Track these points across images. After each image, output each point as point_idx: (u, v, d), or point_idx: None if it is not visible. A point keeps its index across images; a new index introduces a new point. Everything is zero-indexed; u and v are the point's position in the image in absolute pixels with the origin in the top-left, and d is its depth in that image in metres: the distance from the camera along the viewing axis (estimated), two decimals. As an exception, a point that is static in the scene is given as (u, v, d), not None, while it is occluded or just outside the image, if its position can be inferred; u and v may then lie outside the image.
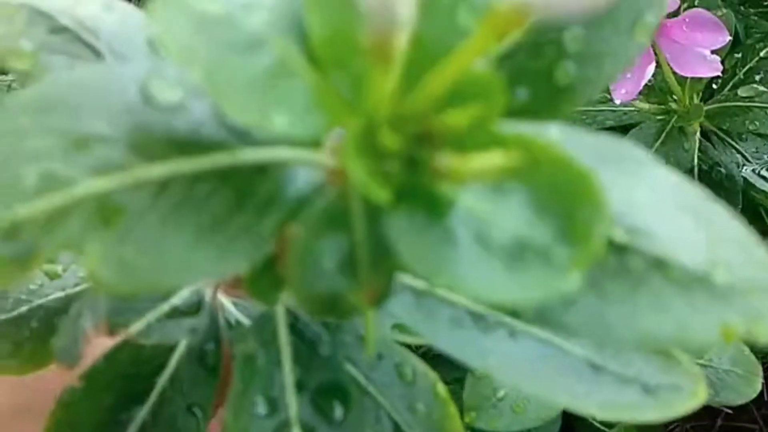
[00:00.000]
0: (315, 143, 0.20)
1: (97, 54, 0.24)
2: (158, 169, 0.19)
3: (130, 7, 0.25)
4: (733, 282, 0.19)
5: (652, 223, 0.20)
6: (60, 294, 0.31)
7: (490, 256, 0.18)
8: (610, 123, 0.63)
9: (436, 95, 0.19)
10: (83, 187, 0.18)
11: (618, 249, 0.19)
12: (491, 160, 0.18)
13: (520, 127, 0.21)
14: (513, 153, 0.18)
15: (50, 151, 0.18)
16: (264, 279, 0.22)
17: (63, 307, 0.31)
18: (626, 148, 0.20)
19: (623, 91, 0.59)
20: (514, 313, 0.19)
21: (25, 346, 0.30)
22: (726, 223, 0.20)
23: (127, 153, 0.19)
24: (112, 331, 0.27)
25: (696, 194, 0.20)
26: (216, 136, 0.19)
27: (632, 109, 0.63)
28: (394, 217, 0.19)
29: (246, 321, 0.31)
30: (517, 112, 0.22)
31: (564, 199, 0.19)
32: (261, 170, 0.19)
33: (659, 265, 0.19)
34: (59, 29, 0.24)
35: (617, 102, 0.60)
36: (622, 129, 0.63)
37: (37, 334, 0.30)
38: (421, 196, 0.19)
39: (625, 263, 0.19)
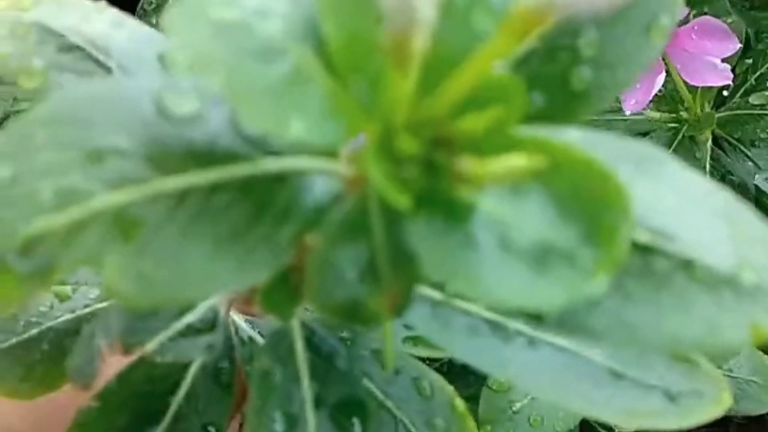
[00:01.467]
0: (332, 151, 0.20)
1: (107, 71, 0.24)
2: (175, 181, 0.18)
3: (140, 24, 0.25)
4: (761, 282, 0.19)
5: (677, 223, 0.19)
6: (70, 316, 0.31)
7: (512, 260, 0.18)
8: (621, 132, 0.63)
9: (455, 99, 0.18)
10: (100, 201, 0.18)
11: (642, 250, 0.19)
12: (512, 162, 0.18)
13: (539, 130, 0.20)
14: (533, 156, 0.18)
15: (66, 165, 0.18)
16: (279, 293, 0.22)
17: (74, 328, 0.30)
18: (647, 148, 0.20)
19: (633, 101, 0.59)
20: (534, 320, 0.19)
21: (37, 369, 0.30)
22: (751, 223, 0.20)
23: (144, 166, 0.18)
24: (126, 351, 0.27)
25: (720, 194, 0.20)
26: (232, 146, 0.19)
27: (643, 117, 0.62)
28: (414, 222, 0.18)
29: (259, 338, 0.31)
30: (533, 118, 0.22)
31: (587, 201, 0.18)
32: (278, 180, 0.19)
33: (685, 265, 0.19)
34: (69, 47, 0.24)
35: (628, 112, 0.60)
36: (634, 138, 0.63)
37: (49, 357, 0.30)
38: (441, 201, 0.19)
39: (650, 264, 0.19)
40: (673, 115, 0.61)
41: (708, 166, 0.62)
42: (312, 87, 0.18)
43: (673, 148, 0.61)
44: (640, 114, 0.62)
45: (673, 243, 0.19)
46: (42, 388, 0.30)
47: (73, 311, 0.31)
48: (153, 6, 0.56)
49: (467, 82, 0.18)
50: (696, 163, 0.61)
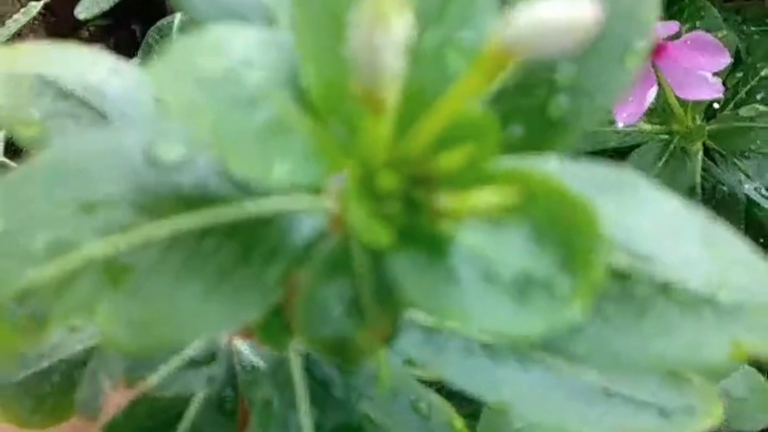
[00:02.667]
0: (316, 190, 0.20)
1: (103, 117, 0.25)
2: (165, 227, 0.19)
3: (135, 70, 0.26)
4: (740, 301, 0.20)
5: (655, 247, 0.20)
6: (80, 347, 0.31)
7: (494, 291, 0.18)
8: (612, 144, 0.64)
9: (431, 137, 0.19)
10: (91, 250, 0.18)
11: (621, 275, 0.20)
12: (487, 197, 0.18)
13: (517, 161, 0.21)
14: (509, 189, 0.19)
15: (57, 217, 0.19)
16: (274, 325, 0.23)
17: (82, 360, 0.31)
18: (626, 174, 0.21)
19: (626, 113, 0.60)
20: (524, 345, 0.19)
21: (48, 401, 0.31)
22: (729, 243, 0.20)
23: (134, 213, 0.19)
24: (129, 385, 0.28)
25: (698, 216, 0.20)
26: (220, 190, 0.20)
27: (635, 130, 0.63)
28: (396, 258, 0.19)
29: (262, 364, 0.31)
30: (512, 148, 0.23)
31: (563, 230, 0.19)
32: (265, 221, 0.20)
33: (664, 288, 0.19)
34: (66, 95, 0.25)
35: (620, 125, 0.60)
36: (625, 150, 0.63)
37: (59, 389, 0.31)
38: (422, 236, 0.19)
39: (630, 289, 0.20)
40: (665, 127, 0.62)
41: (699, 176, 0.62)
42: (293, 131, 0.19)
43: (664, 159, 0.62)
44: (633, 126, 0.63)
45: (652, 266, 0.20)
46: (52, 419, 0.30)
47: (81, 342, 0.31)
48: (157, 42, 0.57)
49: (442, 121, 0.19)
50: (687, 173, 0.61)
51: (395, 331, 0.20)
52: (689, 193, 0.62)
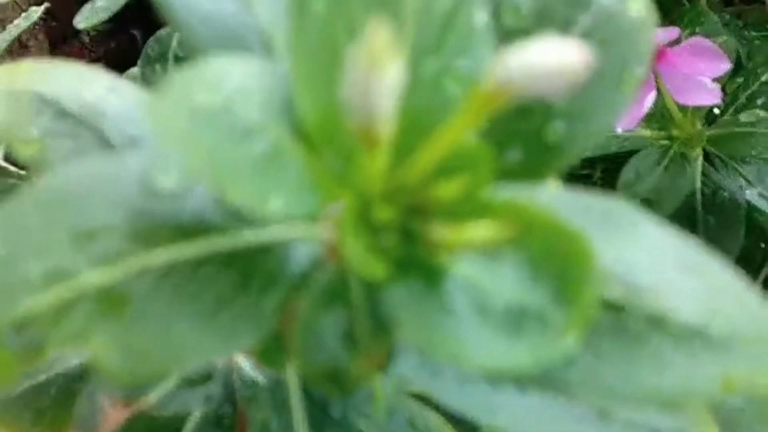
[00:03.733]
0: (313, 218, 0.20)
1: (102, 137, 0.25)
2: (161, 256, 0.19)
3: (134, 88, 0.26)
4: (731, 333, 0.20)
5: (648, 280, 0.20)
6: (77, 361, 0.31)
7: (488, 324, 0.19)
8: (612, 150, 0.63)
9: (427, 168, 0.19)
10: (87, 279, 0.19)
11: (614, 308, 0.20)
12: (482, 231, 0.18)
13: (512, 190, 0.21)
14: (503, 222, 0.19)
15: (55, 246, 0.19)
16: (272, 348, 0.23)
17: (80, 373, 0.31)
18: (619, 205, 0.21)
19: (624, 119, 0.60)
20: (513, 378, 0.19)
21: (47, 414, 0.31)
22: (720, 274, 0.20)
23: (130, 242, 0.19)
24: (126, 403, 0.28)
25: (691, 248, 0.20)
26: (216, 219, 0.20)
27: (634, 135, 0.63)
28: (391, 289, 0.19)
29: (261, 379, 0.31)
30: (509, 172, 0.23)
31: (557, 263, 0.19)
32: (262, 250, 0.20)
33: (656, 321, 0.20)
34: (65, 114, 0.25)
35: (619, 130, 0.60)
36: (625, 155, 0.63)
37: (57, 402, 0.31)
38: (418, 267, 0.19)
39: (622, 321, 0.20)
40: (665, 132, 0.62)
41: (699, 182, 0.62)
42: (289, 162, 0.19)
43: (664, 164, 0.61)
44: (632, 131, 0.63)
45: (645, 299, 0.20)
46: (51, 432, 0.30)
47: (80, 357, 0.31)
48: (156, 53, 0.56)
49: (438, 153, 0.19)
50: (687, 179, 0.61)
51: (388, 361, 0.20)
52: (689, 198, 0.62)
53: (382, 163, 0.19)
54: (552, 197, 0.21)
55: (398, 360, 0.22)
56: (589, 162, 0.67)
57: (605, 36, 0.23)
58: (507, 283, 0.19)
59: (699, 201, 0.62)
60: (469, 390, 0.25)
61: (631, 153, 0.63)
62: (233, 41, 0.22)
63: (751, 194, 0.61)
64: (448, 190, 0.19)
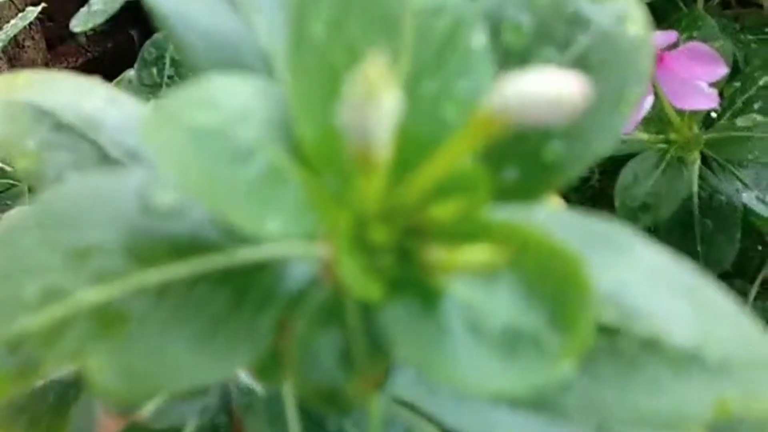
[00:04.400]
0: (310, 237, 0.20)
1: (100, 149, 0.25)
2: (157, 275, 0.19)
3: (133, 100, 0.26)
4: (726, 357, 0.20)
5: (643, 303, 0.20)
6: (74, 369, 0.31)
7: (483, 346, 0.19)
8: (609, 153, 0.63)
9: (424, 190, 0.19)
10: (83, 298, 0.19)
11: (609, 331, 0.20)
12: (478, 253, 0.18)
13: (509, 210, 0.21)
14: (500, 244, 0.19)
15: (50, 264, 0.19)
16: (268, 363, 0.23)
17: (76, 381, 0.31)
18: (614, 228, 0.21)
19: (622, 123, 0.60)
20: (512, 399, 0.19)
21: (43, 421, 0.31)
22: (714, 298, 0.20)
23: (126, 260, 0.19)
24: (122, 414, 0.28)
25: (685, 271, 0.20)
26: (213, 237, 0.20)
27: (632, 138, 0.63)
28: (387, 310, 0.19)
29: (259, 388, 0.31)
30: (506, 191, 0.23)
31: (553, 286, 0.19)
32: (258, 268, 0.20)
33: (651, 345, 0.20)
34: (62, 126, 0.25)
35: (616, 134, 0.60)
36: (623, 159, 0.63)
37: (54, 409, 0.31)
38: (414, 288, 0.19)
39: (617, 345, 0.20)
40: (662, 136, 0.62)
41: (696, 186, 0.62)
42: (286, 183, 0.19)
43: (662, 168, 0.62)
44: (630, 135, 0.63)
45: (640, 323, 0.20)
46: (47, 440, 0.30)
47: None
48: (153, 56, 0.56)
49: (435, 175, 0.19)
50: (684, 182, 0.61)
51: (385, 381, 0.20)
52: (686, 202, 0.62)
53: (379, 185, 0.19)
54: (549, 218, 0.21)
55: (395, 376, 0.22)
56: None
57: (604, 56, 0.23)
58: (503, 305, 0.19)
59: (696, 204, 0.62)
60: (465, 407, 0.25)
61: (628, 156, 0.63)
62: (232, 59, 0.22)
63: (748, 198, 0.61)
64: (445, 211, 0.19)
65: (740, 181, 0.62)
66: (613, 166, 0.63)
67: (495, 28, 0.23)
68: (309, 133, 0.19)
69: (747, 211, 0.62)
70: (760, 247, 0.66)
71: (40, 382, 0.31)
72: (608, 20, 0.23)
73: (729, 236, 0.62)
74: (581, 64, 0.23)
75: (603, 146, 0.23)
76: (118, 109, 0.25)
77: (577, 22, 0.23)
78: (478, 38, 0.20)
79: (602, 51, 0.23)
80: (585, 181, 0.69)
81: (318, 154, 0.19)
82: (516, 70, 0.23)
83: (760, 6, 0.73)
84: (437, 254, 0.19)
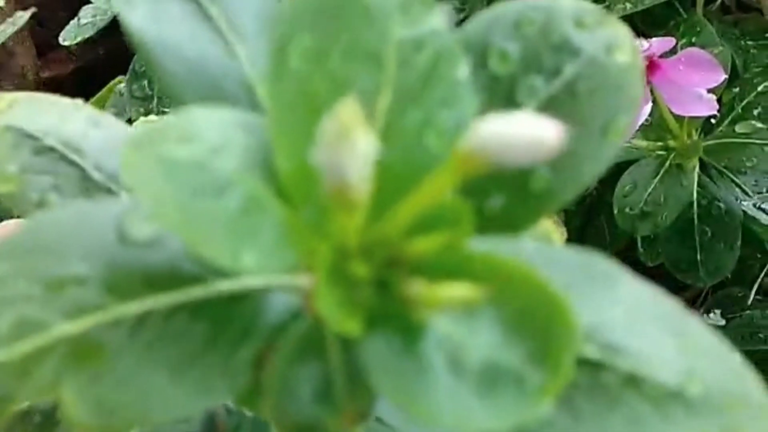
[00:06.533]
0: (290, 270, 0.20)
1: (83, 172, 0.24)
2: (133, 307, 0.19)
3: (116, 122, 0.25)
4: (708, 394, 0.19)
5: (626, 338, 0.20)
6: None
7: (463, 382, 0.18)
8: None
9: (405, 223, 0.19)
10: (57, 330, 0.18)
11: (592, 367, 0.20)
12: (459, 290, 0.18)
13: (494, 243, 0.21)
14: (482, 278, 0.18)
15: (25, 296, 0.18)
16: (251, 394, 0.22)
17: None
18: (599, 262, 0.20)
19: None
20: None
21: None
22: (699, 334, 0.20)
23: (102, 292, 0.19)
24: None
25: (670, 306, 0.20)
26: (190, 269, 0.20)
27: (630, 146, 0.63)
28: (367, 344, 0.19)
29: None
30: (492, 221, 0.23)
31: (536, 322, 0.19)
32: (236, 300, 0.20)
33: (633, 381, 0.19)
34: (44, 149, 0.24)
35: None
36: (621, 166, 0.63)
37: (40, 428, 0.31)
38: (394, 322, 0.19)
39: (600, 381, 0.19)
40: (661, 143, 0.62)
41: (695, 193, 0.62)
42: (264, 216, 0.19)
43: (660, 175, 0.61)
44: (628, 142, 0.62)
45: (623, 359, 0.20)
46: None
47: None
48: (144, 68, 0.56)
49: (417, 207, 0.19)
50: (683, 190, 0.61)
51: (367, 416, 0.20)
52: (686, 209, 0.62)
53: (359, 219, 0.18)
54: (534, 250, 0.20)
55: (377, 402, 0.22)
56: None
57: (592, 84, 0.22)
58: (485, 340, 0.19)
59: (695, 212, 0.62)
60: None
61: (627, 164, 0.62)
62: (214, 87, 0.21)
63: (747, 205, 0.61)
64: (427, 245, 0.19)
65: (740, 188, 0.61)
66: (611, 173, 0.62)
67: (481, 55, 0.22)
68: (288, 166, 0.19)
69: (746, 218, 0.61)
70: (759, 255, 0.65)
71: (26, 403, 0.31)
72: (596, 49, 0.22)
73: (729, 244, 0.61)
74: (569, 92, 0.22)
75: (591, 175, 0.23)
76: (100, 131, 0.25)
77: (565, 50, 0.22)
78: (462, 69, 0.20)
79: (591, 79, 0.22)
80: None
81: (297, 187, 0.19)
82: (503, 98, 0.23)
83: (761, 11, 0.72)
84: (418, 289, 0.19)
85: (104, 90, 0.60)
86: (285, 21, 0.18)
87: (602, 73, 0.22)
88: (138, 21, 0.21)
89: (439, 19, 0.19)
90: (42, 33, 0.70)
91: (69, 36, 0.57)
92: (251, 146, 0.19)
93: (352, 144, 0.15)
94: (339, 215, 0.18)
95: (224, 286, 0.20)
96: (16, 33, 0.57)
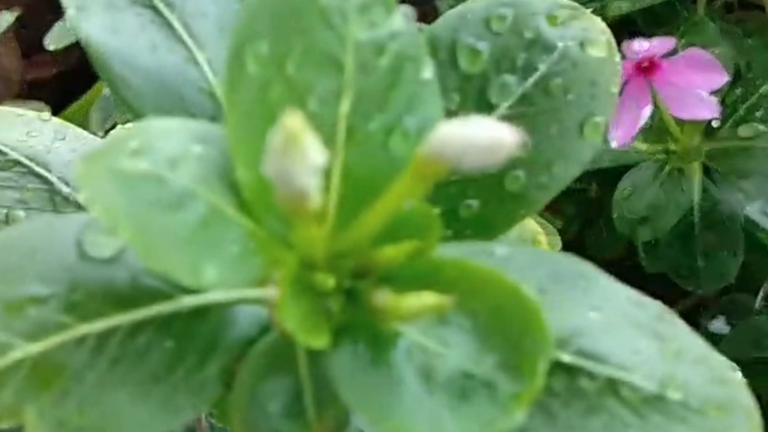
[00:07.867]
0: (255, 283, 0.20)
1: (50, 185, 0.24)
2: (96, 325, 0.19)
3: (83, 134, 0.25)
4: (688, 399, 0.19)
5: (604, 342, 0.19)
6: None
7: (435, 394, 0.18)
8: (606, 164, 0.62)
9: (372, 232, 0.18)
10: (18, 352, 0.18)
11: (569, 373, 0.19)
12: (428, 299, 0.18)
13: (466, 248, 0.20)
14: (452, 287, 0.18)
15: (-16, 318, 0.18)
16: (222, 408, 0.22)
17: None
18: (577, 265, 0.20)
19: (619, 133, 0.58)
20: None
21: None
22: (681, 337, 0.19)
23: (63, 312, 0.18)
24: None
25: (652, 310, 0.20)
26: (153, 284, 0.19)
27: (630, 149, 0.62)
28: (335, 356, 0.18)
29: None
30: (469, 222, 0.22)
31: (508, 330, 0.18)
32: (201, 315, 0.19)
33: (612, 386, 0.19)
34: (10, 163, 0.24)
35: (614, 144, 0.59)
36: (621, 170, 0.62)
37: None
38: (363, 333, 0.18)
39: (577, 387, 0.19)
40: (661, 146, 0.61)
41: (697, 197, 0.61)
42: (225, 228, 0.18)
43: (661, 180, 0.60)
44: (628, 146, 0.61)
45: (600, 364, 0.19)
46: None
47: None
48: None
49: (384, 215, 0.18)
50: (684, 194, 0.60)
51: (343, 429, 0.19)
52: (687, 214, 0.60)
53: (324, 229, 0.18)
54: (510, 255, 0.20)
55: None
56: (585, 176, 0.66)
57: (567, 81, 0.22)
58: (456, 349, 0.18)
59: (697, 217, 0.61)
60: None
61: (627, 167, 0.61)
62: (175, 97, 0.21)
63: (750, 210, 0.60)
64: (395, 253, 0.18)
65: (743, 192, 0.60)
66: (610, 177, 0.61)
67: (451, 54, 0.22)
68: (247, 176, 0.18)
69: (750, 223, 0.60)
70: (762, 260, 0.64)
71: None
72: (570, 44, 0.22)
73: (732, 250, 0.60)
74: (543, 89, 0.22)
75: (569, 174, 0.23)
76: (67, 143, 0.24)
77: (538, 46, 0.22)
78: (427, 71, 0.19)
79: (565, 76, 0.22)
80: (582, 192, 0.67)
81: (258, 198, 0.18)
82: (475, 98, 0.22)
83: (763, 8, 0.71)
84: (386, 299, 0.18)
85: (91, 92, 0.59)
86: (240, 26, 0.18)
87: (577, 69, 0.22)
88: (93, 32, 0.20)
89: (400, 20, 0.19)
90: (27, 35, 0.69)
91: (54, 41, 0.57)
92: (211, 157, 0.18)
93: (300, 153, 0.15)
94: (302, 226, 0.18)
95: (188, 301, 0.19)
96: (1, 35, 0.56)
